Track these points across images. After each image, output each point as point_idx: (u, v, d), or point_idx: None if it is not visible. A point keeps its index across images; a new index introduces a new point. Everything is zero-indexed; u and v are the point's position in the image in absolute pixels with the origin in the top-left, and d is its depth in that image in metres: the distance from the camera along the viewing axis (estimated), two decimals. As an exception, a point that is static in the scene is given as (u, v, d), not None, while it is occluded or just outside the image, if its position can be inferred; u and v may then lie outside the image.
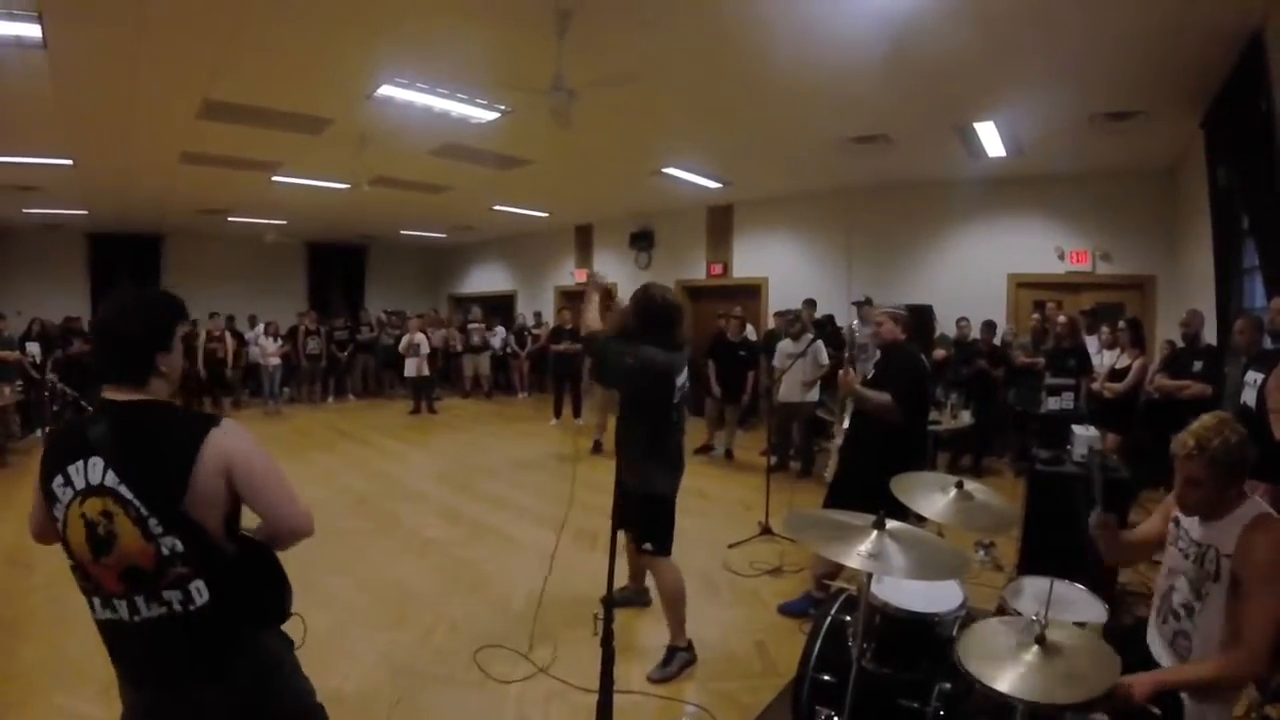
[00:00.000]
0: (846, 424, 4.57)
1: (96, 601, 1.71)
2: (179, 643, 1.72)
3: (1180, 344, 6.37)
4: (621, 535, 3.64)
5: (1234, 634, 2.10)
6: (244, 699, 1.79)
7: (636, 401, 3.63)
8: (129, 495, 1.63)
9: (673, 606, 3.77)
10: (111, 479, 1.63)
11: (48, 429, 10.32)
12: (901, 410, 3.98)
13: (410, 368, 12.95)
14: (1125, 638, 2.54)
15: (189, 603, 1.69)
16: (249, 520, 1.86)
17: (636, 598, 4.43)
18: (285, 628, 1.98)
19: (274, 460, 1.83)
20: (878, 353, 4.49)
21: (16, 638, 4.05)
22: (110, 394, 1.74)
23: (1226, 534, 2.17)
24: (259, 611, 1.85)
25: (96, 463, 1.64)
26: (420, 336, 13.01)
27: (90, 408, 5.92)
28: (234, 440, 1.74)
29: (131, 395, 1.73)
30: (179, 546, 1.66)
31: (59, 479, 1.67)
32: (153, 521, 1.64)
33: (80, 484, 1.65)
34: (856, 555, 2.10)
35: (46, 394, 9.93)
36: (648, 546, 3.71)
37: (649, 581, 4.13)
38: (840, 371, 4.56)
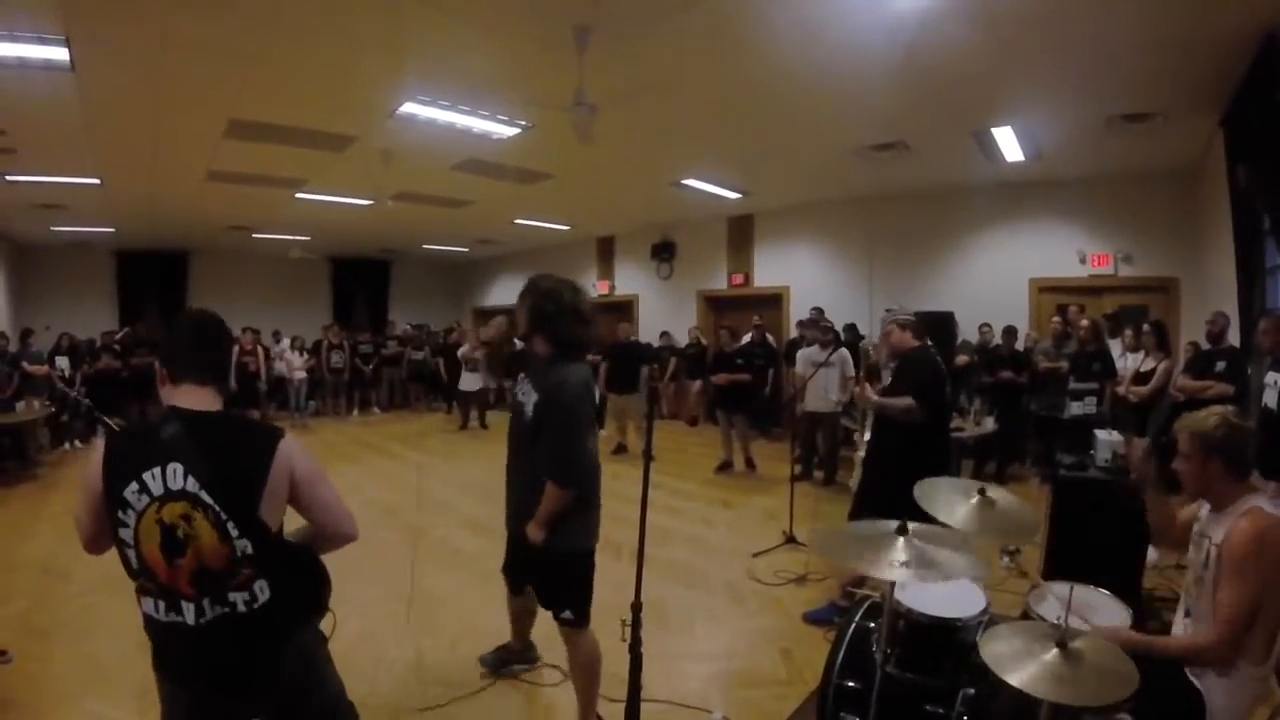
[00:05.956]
0: (869, 435, 4.56)
1: (160, 604, 1.76)
2: (236, 642, 1.80)
3: (1205, 345, 6.31)
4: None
5: (1211, 615, 2.27)
6: (287, 691, 1.87)
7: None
8: (209, 500, 1.72)
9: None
10: (192, 484, 1.71)
11: (76, 442, 10.54)
12: (923, 408, 3.97)
13: (469, 381, 12.23)
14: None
15: (253, 602, 1.79)
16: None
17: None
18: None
19: (324, 469, 1.99)
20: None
21: (50, 644, 4.15)
22: (182, 402, 1.82)
23: (1222, 525, 2.29)
24: (304, 606, 1.96)
25: (176, 468, 1.72)
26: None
27: (109, 421, 5.93)
28: (297, 449, 1.88)
29: (203, 405, 1.83)
30: (249, 549, 1.76)
31: (133, 486, 1.71)
32: (231, 525, 1.73)
33: (159, 490, 1.71)
34: (883, 563, 2.13)
35: (61, 405, 10.15)
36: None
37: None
38: (856, 387, 4.53)
